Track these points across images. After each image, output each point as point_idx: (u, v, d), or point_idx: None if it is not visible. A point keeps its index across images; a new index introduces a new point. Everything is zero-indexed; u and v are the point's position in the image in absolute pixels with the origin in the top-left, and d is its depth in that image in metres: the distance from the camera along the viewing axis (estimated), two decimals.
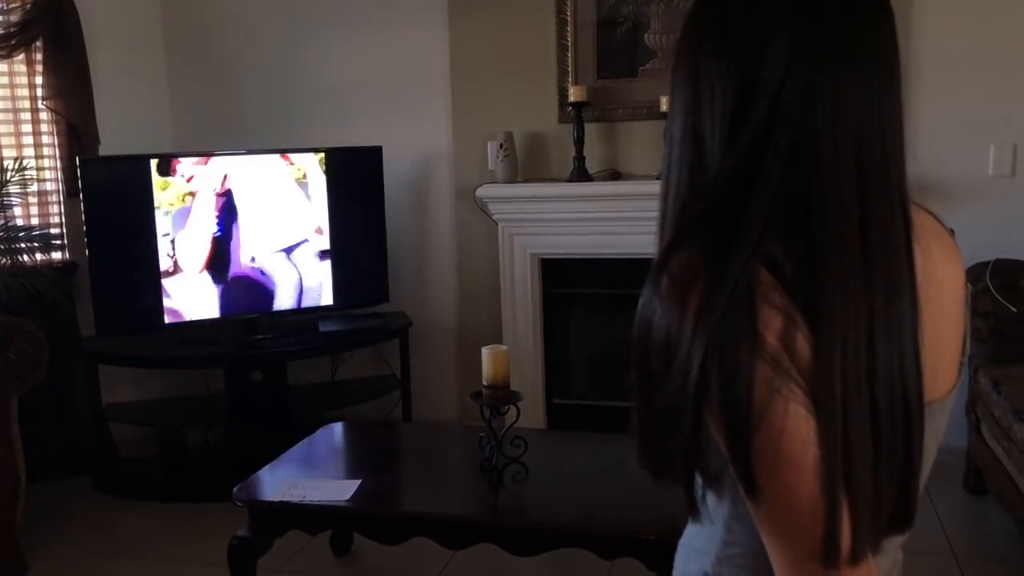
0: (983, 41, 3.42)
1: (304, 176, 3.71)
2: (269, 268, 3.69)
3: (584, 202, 3.71)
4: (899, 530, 0.83)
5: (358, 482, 2.43)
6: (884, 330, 0.77)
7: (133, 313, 3.53)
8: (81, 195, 3.46)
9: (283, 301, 3.73)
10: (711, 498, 0.89)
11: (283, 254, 3.71)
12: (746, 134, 0.79)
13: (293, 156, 3.71)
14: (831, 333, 0.75)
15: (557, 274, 3.91)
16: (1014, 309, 3.15)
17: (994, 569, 2.78)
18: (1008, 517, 2.82)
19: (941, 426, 0.90)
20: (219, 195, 3.58)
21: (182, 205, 3.52)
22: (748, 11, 0.81)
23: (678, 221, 0.84)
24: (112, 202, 3.47)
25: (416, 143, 4.03)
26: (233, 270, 3.64)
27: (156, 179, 3.47)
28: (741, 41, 0.80)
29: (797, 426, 0.73)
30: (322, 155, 3.74)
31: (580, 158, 3.70)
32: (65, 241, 3.84)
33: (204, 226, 3.57)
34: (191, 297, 3.58)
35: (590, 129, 3.73)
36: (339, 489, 2.39)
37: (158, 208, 3.47)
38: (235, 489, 2.43)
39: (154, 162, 3.48)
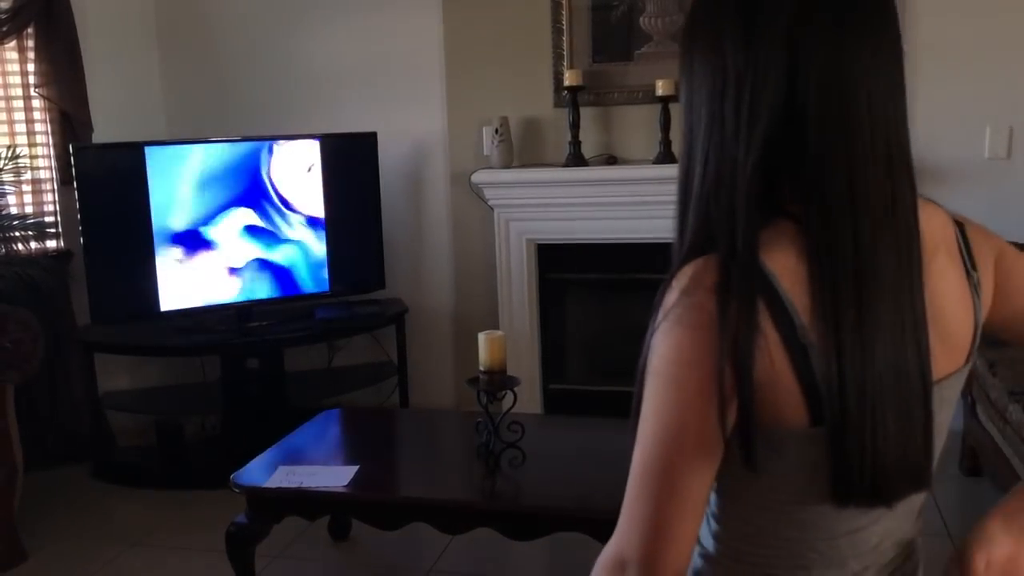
0: (979, 23, 3.41)
1: (300, 162, 3.70)
2: (264, 255, 3.68)
3: (580, 187, 3.70)
4: (916, 487, 0.86)
5: (356, 468, 2.43)
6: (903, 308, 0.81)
7: (128, 301, 3.51)
8: (75, 183, 3.44)
9: (279, 288, 3.73)
10: None
11: (279, 241, 3.70)
12: (769, 121, 0.80)
13: (288, 142, 3.70)
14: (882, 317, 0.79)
15: (553, 259, 3.91)
16: None
17: None
18: None
19: (948, 412, 0.90)
20: (215, 182, 3.57)
21: (177, 191, 3.51)
22: None
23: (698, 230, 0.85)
24: (106, 189, 3.45)
25: (411, 129, 4.01)
26: (228, 256, 3.63)
27: (151, 165, 3.45)
28: (768, 28, 0.80)
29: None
30: (317, 141, 3.73)
31: (576, 143, 3.69)
32: (59, 229, 3.83)
33: (199, 212, 3.56)
34: (186, 284, 3.57)
35: (585, 114, 3.72)
36: (337, 475, 2.40)
37: (152, 195, 3.46)
38: (232, 476, 2.43)
39: (148, 149, 3.46)
